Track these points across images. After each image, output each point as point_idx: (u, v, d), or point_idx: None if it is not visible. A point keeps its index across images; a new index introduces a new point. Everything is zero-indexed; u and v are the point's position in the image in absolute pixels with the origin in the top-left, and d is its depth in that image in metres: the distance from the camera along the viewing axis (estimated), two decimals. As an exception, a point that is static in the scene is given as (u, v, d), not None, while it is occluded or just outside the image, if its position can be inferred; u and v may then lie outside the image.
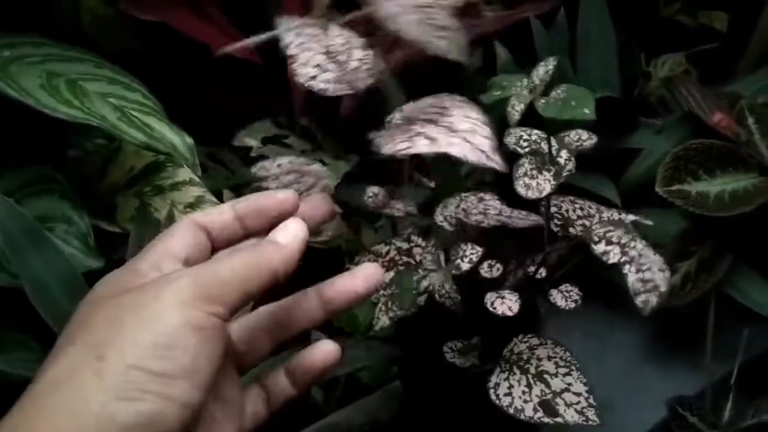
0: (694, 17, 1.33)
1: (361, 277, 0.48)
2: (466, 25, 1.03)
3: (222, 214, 0.46)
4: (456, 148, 0.48)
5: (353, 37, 0.59)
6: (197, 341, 0.38)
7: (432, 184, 0.97)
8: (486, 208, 0.66)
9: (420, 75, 0.86)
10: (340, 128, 0.94)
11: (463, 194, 0.68)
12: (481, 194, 0.68)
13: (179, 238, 0.44)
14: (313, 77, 0.56)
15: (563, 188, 0.72)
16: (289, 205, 0.47)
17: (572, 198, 0.65)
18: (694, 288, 0.78)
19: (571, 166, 0.58)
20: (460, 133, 0.49)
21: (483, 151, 0.48)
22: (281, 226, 0.45)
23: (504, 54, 0.89)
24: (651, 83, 1.16)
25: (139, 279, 0.42)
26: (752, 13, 1.07)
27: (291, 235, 0.45)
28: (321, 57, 0.57)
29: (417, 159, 0.94)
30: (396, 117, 0.66)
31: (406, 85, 0.76)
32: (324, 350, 0.48)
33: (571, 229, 0.61)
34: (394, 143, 0.51)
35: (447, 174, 0.97)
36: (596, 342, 0.90)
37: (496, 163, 0.48)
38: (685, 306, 0.85)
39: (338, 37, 0.60)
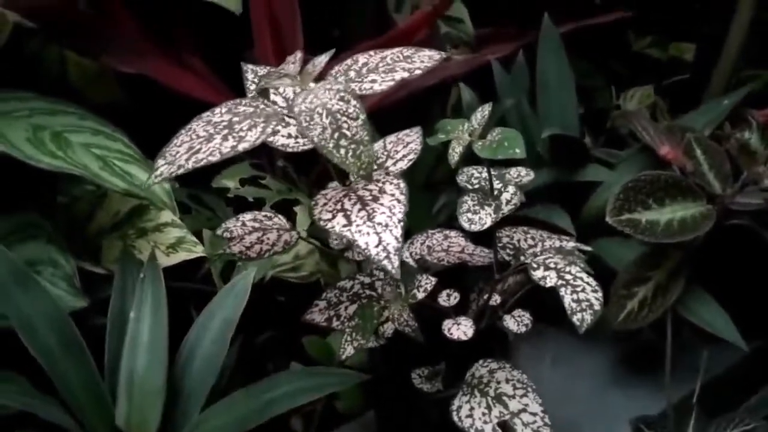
0: (665, 50, 1.38)
1: None
2: (435, 68, 1.08)
3: None
4: (363, 238, 0.52)
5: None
6: None
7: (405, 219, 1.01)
8: (450, 246, 0.70)
9: (398, 114, 0.90)
10: (317, 169, 0.97)
11: (429, 231, 0.72)
12: (447, 231, 0.72)
13: None
14: (274, 133, 0.60)
15: (521, 220, 0.76)
16: None
17: (525, 228, 0.69)
18: (651, 312, 0.82)
19: (516, 200, 0.61)
20: (376, 225, 0.53)
21: (386, 251, 0.51)
22: None
23: (468, 95, 0.93)
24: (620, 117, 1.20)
25: None
26: (716, 43, 1.10)
27: None
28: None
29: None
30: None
31: (386, 122, 0.80)
32: None
33: (522, 257, 0.65)
34: (321, 211, 0.55)
35: (420, 209, 1.02)
36: (565, 367, 0.93)
37: (392, 266, 0.51)
38: (649, 330, 0.89)
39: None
